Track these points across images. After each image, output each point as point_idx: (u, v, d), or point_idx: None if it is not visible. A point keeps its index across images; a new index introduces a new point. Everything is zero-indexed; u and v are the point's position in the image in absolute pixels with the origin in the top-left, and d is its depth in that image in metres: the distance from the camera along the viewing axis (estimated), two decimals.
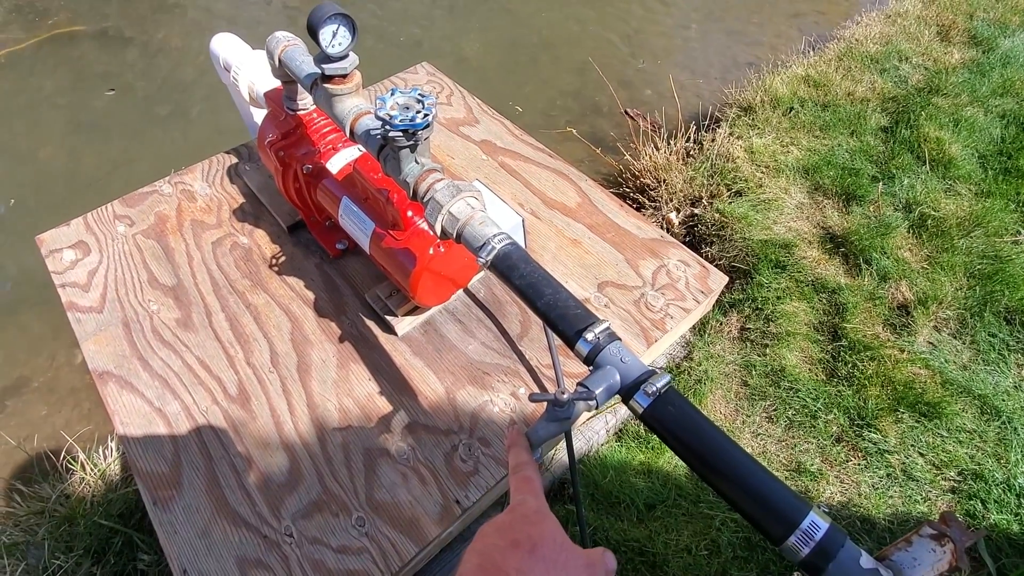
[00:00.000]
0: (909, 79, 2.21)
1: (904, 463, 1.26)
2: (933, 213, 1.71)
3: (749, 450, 1.33)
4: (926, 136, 1.93)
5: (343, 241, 1.11)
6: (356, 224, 0.93)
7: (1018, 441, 1.25)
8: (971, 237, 1.64)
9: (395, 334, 1.00)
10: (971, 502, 1.19)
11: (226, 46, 1.17)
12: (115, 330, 1.03)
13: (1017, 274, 1.54)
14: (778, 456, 1.32)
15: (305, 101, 0.98)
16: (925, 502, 1.20)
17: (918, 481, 1.23)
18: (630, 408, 0.49)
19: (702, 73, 2.64)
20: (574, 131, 2.27)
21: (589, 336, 0.51)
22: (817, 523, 0.38)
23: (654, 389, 0.47)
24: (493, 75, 2.61)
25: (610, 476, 1.28)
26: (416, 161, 0.69)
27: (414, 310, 1.01)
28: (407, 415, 0.92)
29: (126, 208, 1.22)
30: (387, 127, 0.63)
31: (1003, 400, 1.32)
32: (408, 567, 0.80)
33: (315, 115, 1.00)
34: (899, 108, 2.07)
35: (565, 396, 0.45)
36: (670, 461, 1.30)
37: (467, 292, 1.07)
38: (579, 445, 1.28)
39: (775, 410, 1.38)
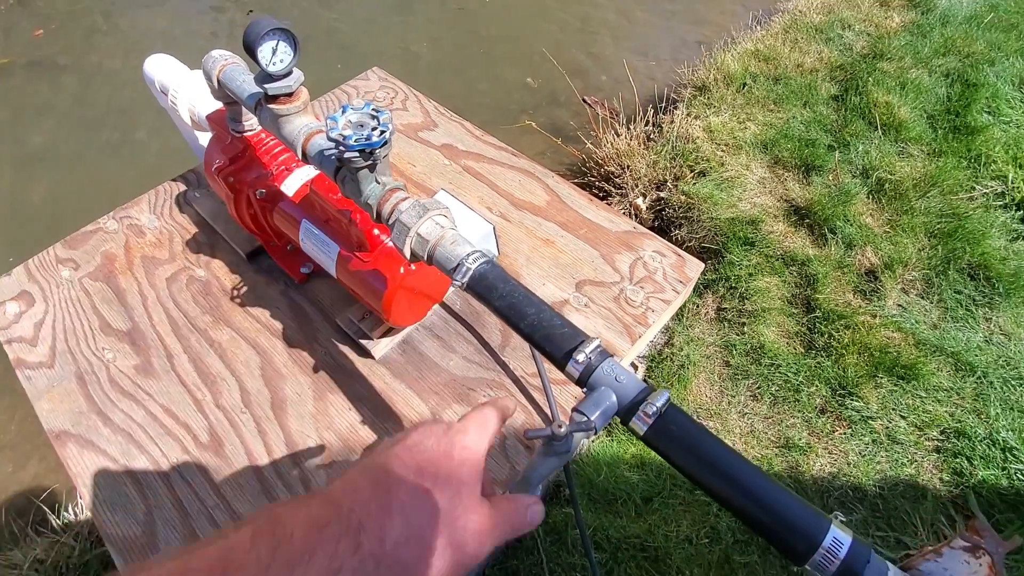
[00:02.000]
0: (854, 46, 2.25)
1: (888, 427, 1.28)
2: (889, 177, 1.75)
3: (737, 429, 1.35)
4: (875, 101, 1.97)
5: (308, 264, 1.06)
6: (319, 248, 0.88)
7: (995, 395, 1.29)
8: (928, 197, 1.69)
9: (372, 357, 0.96)
10: (957, 460, 1.22)
11: (161, 68, 1.10)
12: (69, 385, 0.96)
13: (975, 229, 1.59)
14: (766, 433, 1.33)
15: (251, 122, 0.92)
16: (912, 464, 1.23)
17: (903, 444, 1.26)
18: (630, 430, 0.47)
19: (654, 55, 2.64)
20: (533, 124, 2.24)
21: (580, 357, 0.49)
22: (839, 539, 0.37)
23: (654, 409, 0.44)
24: (446, 73, 2.55)
25: (604, 473, 1.27)
26: (377, 181, 0.64)
27: (390, 331, 0.97)
28: None
29: (69, 250, 1.13)
30: (341, 148, 0.59)
31: (976, 355, 1.36)
32: None
33: (264, 135, 0.94)
34: (847, 76, 2.11)
35: (563, 429, 0.43)
36: None
37: (443, 305, 1.03)
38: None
39: (759, 388, 1.40)
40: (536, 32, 2.71)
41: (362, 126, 0.60)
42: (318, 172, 0.91)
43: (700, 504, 1.20)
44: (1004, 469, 1.19)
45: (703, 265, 1.12)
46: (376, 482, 0.35)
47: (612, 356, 0.50)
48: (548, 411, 0.90)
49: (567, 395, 0.92)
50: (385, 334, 0.96)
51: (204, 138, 1.25)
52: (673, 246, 1.12)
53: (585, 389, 0.49)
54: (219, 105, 1.00)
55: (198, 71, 1.10)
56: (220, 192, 0.98)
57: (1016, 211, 1.64)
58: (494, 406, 0.45)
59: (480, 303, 0.57)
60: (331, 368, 0.96)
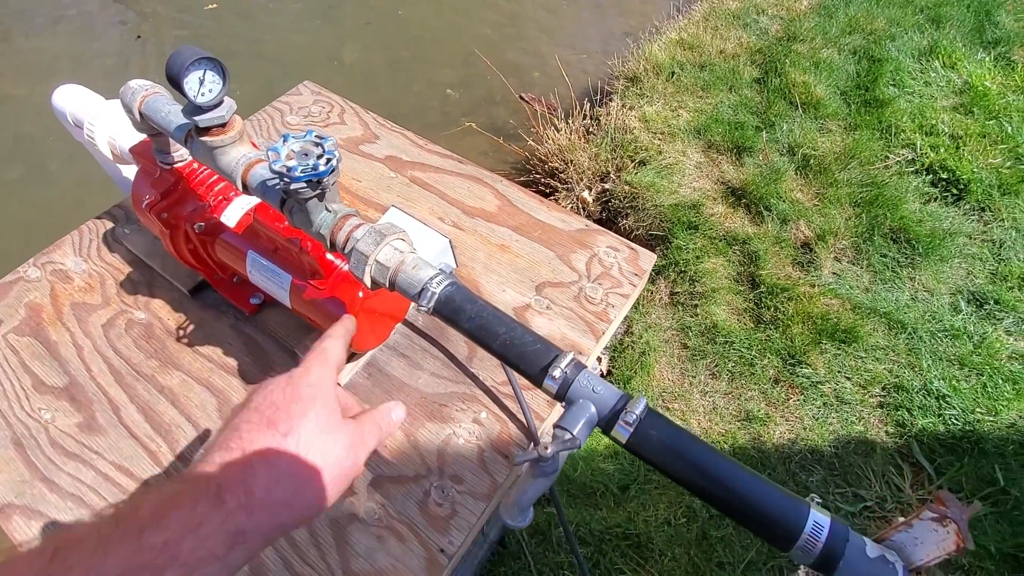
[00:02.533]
0: (769, 30, 2.37)
1: (835, 390, 1.37)
2: (813, 152, 1.85)
3: (700, 408, 1.40)
4: (794, 82, 2.08)
5: (257, 295, 1.01)
6: (270, 279, 0.85)
7: (925, 348, 1.40)
8: (849, 169, 1.80)
9: (337, 384, 0.93)
10: (898, 412, 1.32)
11: (72, 99, 1.02)
12: (6, 452, 0.88)
13: (893, 196, 1.71)
14: (727, 409, 1.39)
15: (181, 152, 0.87)
16: (860, 422, 1.32)
17: (850, 403, 1.35)
18: (612, 439, 0.48)
19: (583, 48, 2.68)
20: (474, 125, 2.23)
21: (556, 372, 0.49)
22: (819, 522, 0.39)
23: (634, 417, 0.46)
24: (380, 80, 2.49)
25: (580, 468, 1.29)
26: (327, 209, 0.62)
27: (352, 356, 0.94)
28: (369, 470, 0.86)
29: None
30: (286, 180, 0.57)
31: (905, 313, 1.47)
32: None
33: (196, 165, 0.89)
34: (766, 59, 2.22)
35: (548, 451, 0.43)
36: None
37: (406, 323, 1.01)
38: None
39: (716, 366, 1.46)
40: (466, 33, 2.69)
41: (306, 155, 0.58)
42: (260, 200, 0.88)
43: (674, 487, 1.24)
44: (940, 416, 1.30)
45: (655, 256, 1.15)
46: (230, 449, 0.37)
47: (586, 368, 0.51)
48: (523, 419, 0.90)
49: (539, 399, 0.93)
50: (348, 359, 0.94)
51: (128, 170, 1.17)
52: (625, 240, 1.15)
53: (563, 403, 0.50)
54: (142, 137, 0.95)
55: (115, 100, 1.03)
56: (153, 228, 0.92)
57: (926, 175, 1.78)
58: (332, 335, 0.50)
59: (449, 326, 0.57)
60: None
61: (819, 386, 1.36)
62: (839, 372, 1.38)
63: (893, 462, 1.24)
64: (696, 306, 1.56)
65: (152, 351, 0.98)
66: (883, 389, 1.35)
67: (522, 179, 1.99)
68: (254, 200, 0.91)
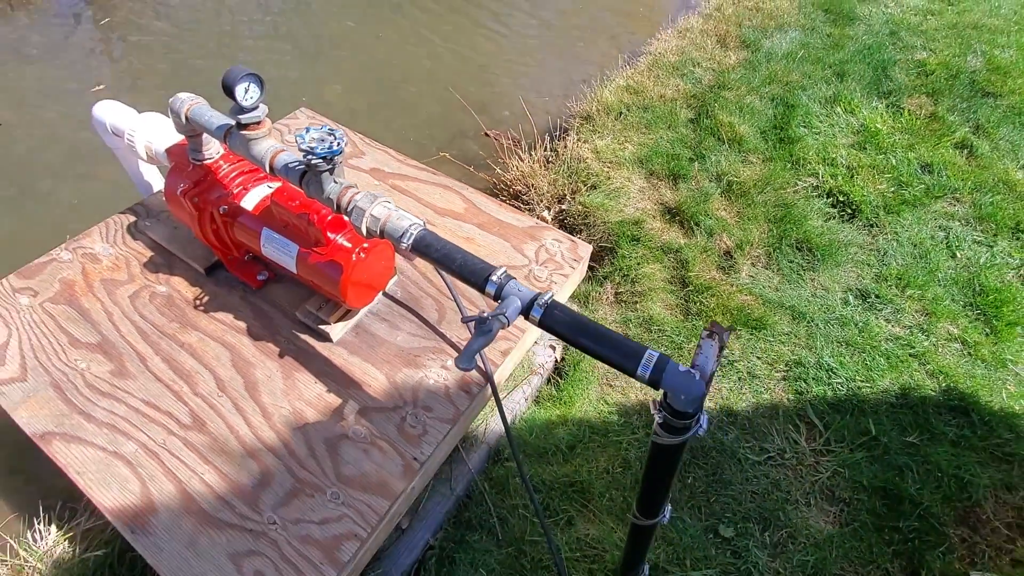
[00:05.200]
0: (702, 79, 2.76)
1: (748, 367, 1.63)
2: (736, 179, 2.18)
3: (637, 385, 1.63)
4: (721, 122, 2.44)
5: (263, 272, 1.23)
6: (280, 249, 1.07)
7: (820, 332, 1.68)
8: (765, 192, 2.13)
9: (331, 340, 1.14)
10: (797, 383, 1.58)
11: (111, 112, 1.24)
12: (46, 393, 1.06)
13: (799, 214, 2.03)
14: None
15: (210, 151, 1.10)
16: (767, 392, 1.57)
17: (759, 378, 1.60)
18: (530, 320, 0.71)
19: (547, 92, 3.03)
20: (447, 155, 2.51)
21: (494, 278, 0.73)
22: (652, 355, 0.63)
23: (543, 301, 0.70)
24: (360, 115, 2.78)
25: (535, 433, 1.50)
26: (335, 181, 0.86)
27: (344, 315, 1.16)
28: (356, 403, 1.07)
29: (24, 280, 1.22)
30: (310, 156, 0.81)
31: (806, 306, 1.76)
32: (384, 520, 0.95)
33: (221, 162, 1.12)
34: (699, 103, 2.59)
35: (487, 315, 0.66)
36: (580, 409, 1.56)
37: (386, 295, 1.24)
38: (508, 416, 1.49)
39: None
40: (442, 74, 3.02)
41: (323, 140, 0.82)
42: (273, 189, 1.11)
43: (613, 444, 1.46)
44: (829, 384, 1.56)
45: (591, 247, 1.42)
46: None
47: (514, 278, 0.75)
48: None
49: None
50: (340, 319, 1.15)
51: (150, 173, 1.40)
52: (567, 234, 1.41)
53: (499, 300, 0.74)
54: (172, 141, 1.18)
55: (148, 113, 1.26)
56: (183, 213, 1.14)
57: (827, 198, 2.12)
58: None
59: (422, 258, 0.80)
60: (295, 353, 1.13)
61: (735, 364, 1.62)
62: (751, 353, 1.64)
63: (792, 422, 1.49)
64: (636, 303, 1.82)
65: (173, 316, 1.18)
66: (786, 365, 1.61)
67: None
68: (266, 191, 1.14)
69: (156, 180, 1.40)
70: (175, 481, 0.96)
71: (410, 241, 0.80)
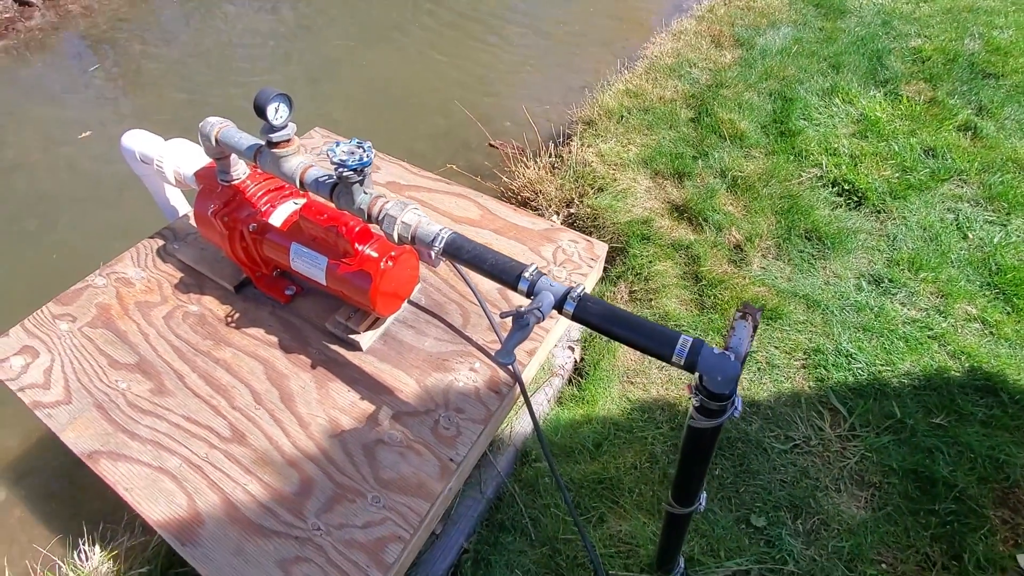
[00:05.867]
0: (700, 79, 2.80)
1: (767, 357, 1.64)
2: (740, 174, 2.21)
3: (658, 380, 1.65)
4: (722, 120, 2.48)
5: (291, 287, 1.26)
6: (310, 263, 1.10)
7: (835, 319, 1.70)
8: (770, 186, 2.16)
9: (360, 349, 1.17)
10: (817, 371, 1.60)
11: (139, 141, 1.29)
12: (90, 414, 1.09)
13: (806, 204, 2.06)
14: (680, 379, 1.65)
15: (238, 171, 1.14)
16: (788, 380, 1.59)
17: (779, 367, 1.62)
18: (563, 313, 0.74)
19: (547, 100, 3.08)
20: (454, 167, 2.56)
21: (526, 275, 0.76)
22: (686, 340, 0.66)
23: (576, 295, 0.72)
24: (366, 132, 2.83)
25: (561, 433, 1.52)
26: (365, 192, 0.90)
27: (372, 324, 1.19)
28: (390, 408, 1.09)
29: (63, 307, 1.26)
30: (341, 169, 0.84)
31: (820, 294, 1.78)
32: (425, 521, 0.97)
33: (248, 182, 1.16)
34: (699, 102, 2.62)
35: (523, 309, 0.69)
36: (603, 407, 1.58)
37: (411, 303, 1.27)
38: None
39: None
40: (444, 88, 3.08)
41: (353, 153, 0.86)
42: (300, 206, 1.14)
43: (639, 439, 1.47)
44: (850, 370, 1.57)
45: (607, 245, 1.45)
46: None
47: (545, 274, 0.78)
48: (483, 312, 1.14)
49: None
50: (369, 328, 1.18)
51: (176, 198, 1.44)
52: (582, 234, 1.44)
53: (532, 296, 0.76)
54: (198, 165, 1.22)
55: (173, 140, 1.31)
56: (213, 233, 1.18)
57: (832, 187, 2.14)
58: None
59: (454, 261, 0.83)
60: (326, 364, 1.16)
61: (753, 355, 1.63)
62: (769, 343, 1.66)
63: (815, 409, 1.50)
64: (651, 300, 1.84)
65: (206, 334, 1.22)
66: (804, 353, 1.63)
67: None
68: (293, 208, 1.18)
69: (182, 204, 1.45)
70: (219, 493, 0.98)
71: (442, 244, 0.83)
